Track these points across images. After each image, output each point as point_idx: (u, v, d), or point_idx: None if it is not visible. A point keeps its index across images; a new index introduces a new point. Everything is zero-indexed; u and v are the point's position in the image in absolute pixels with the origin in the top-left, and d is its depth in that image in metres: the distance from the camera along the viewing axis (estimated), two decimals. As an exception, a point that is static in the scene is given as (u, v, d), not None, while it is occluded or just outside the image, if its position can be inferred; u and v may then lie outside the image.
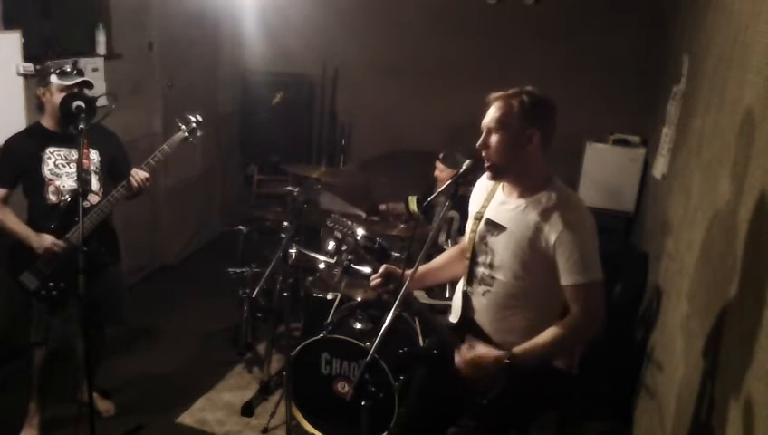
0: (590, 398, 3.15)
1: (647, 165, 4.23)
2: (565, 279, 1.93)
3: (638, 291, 3.47)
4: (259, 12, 5.28)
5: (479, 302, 2.11)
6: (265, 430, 3.10)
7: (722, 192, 2.02)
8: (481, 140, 1.98)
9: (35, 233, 2.68)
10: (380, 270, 2.21)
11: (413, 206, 3.97)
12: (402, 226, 3.64)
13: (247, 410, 3.21)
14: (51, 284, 2.70)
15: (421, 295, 3.21)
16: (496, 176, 2.04)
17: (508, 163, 1.98)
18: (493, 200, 2.12)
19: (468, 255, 2.13)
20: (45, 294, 2.71)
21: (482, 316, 2.11)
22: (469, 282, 2.13)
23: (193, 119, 2.94)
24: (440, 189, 2.26)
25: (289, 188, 3.27)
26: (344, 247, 2.94)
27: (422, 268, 2.33)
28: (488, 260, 2.07)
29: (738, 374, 1.52)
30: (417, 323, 3.12)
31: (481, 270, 2.09)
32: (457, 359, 2.06)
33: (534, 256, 1.96)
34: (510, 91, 1.97)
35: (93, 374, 2.56)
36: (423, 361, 2.36)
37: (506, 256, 2.01)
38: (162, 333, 4.01)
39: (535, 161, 1.99)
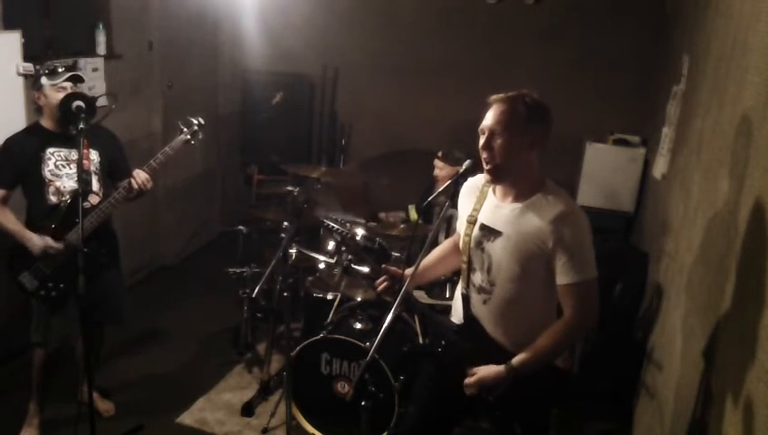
0: (590, 398, 3.15)
1: (647, 165, 4.23)
2: (561, 279, 1.95)
3: (638, 291, 3.47)
4: (259, 12, 5.28)
5: (480, 310, 2.11)
6: (265, 430, 3.10)
7: (722, 192, 2.01)
8: (483, 141, 1.96)
9: (30, 235, 2.65)
10: (383, 274, 2.19)
11: (413, 214, 3.97)
12: (402, 226, 3.64)
13: (247, 410, 3.22)
14: (50, 284, 2.70)
15: (421, 295, 3.20)
16: (496, 179, 2.02)
17: (510, 166, 1.96)
18: (485, 204, 2.11)
19: (465, 259, 2.12)
20: (44, 295, 2.71)
21: (483, 322, 2.11)
22: (467, 287, 2.14)
23: (195, 121, 2.86)
24: (440, 189, 2.25)
25: (289, 188, 3.27)
26: (344, 248, 2.94)
27: (420, 265, 2.33)
28: (485, 266, 2.06)
29: (738, 374, 1.52)
30: (417, 322, 3.13)
31: (479, 278, 2.09)
32: (465, 385, 2.04)
33: (533, 259, 1.97)
34: (511, 94, 1.96)
35: (93, 374, 2.56)
36: (427, 358, 2.36)
37: (505, 261, 2.01)
38: (162, 333, 4.01)
39: (533, 164, 1.99)
